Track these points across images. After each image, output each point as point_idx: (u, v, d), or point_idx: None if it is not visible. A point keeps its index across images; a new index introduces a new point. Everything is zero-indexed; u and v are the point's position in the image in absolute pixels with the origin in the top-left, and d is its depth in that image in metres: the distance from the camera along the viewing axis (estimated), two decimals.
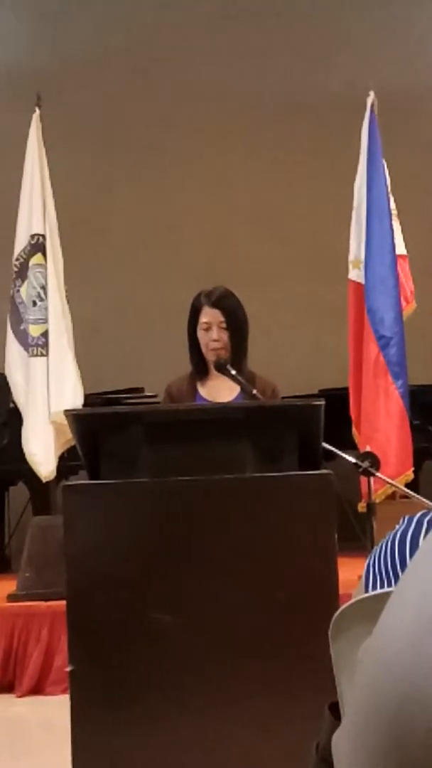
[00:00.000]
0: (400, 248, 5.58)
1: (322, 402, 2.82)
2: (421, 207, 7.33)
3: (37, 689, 4.83)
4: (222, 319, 3.45)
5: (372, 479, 4.03)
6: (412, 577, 0.64)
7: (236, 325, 3.47)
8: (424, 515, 0.87)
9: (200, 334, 3.47)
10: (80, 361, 5.49)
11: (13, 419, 5.72)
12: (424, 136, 8.10)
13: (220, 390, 3.48)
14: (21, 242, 5.59)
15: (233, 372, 3.37)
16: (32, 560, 5.16)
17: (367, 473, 3.66)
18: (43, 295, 5.47)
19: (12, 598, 5.10)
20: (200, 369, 3.51)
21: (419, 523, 0.86)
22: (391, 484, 4.18)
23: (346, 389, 5.50)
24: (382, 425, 5.24)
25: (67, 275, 5.60)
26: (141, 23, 8.16)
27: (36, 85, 5.94)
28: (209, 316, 3.46)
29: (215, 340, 3.44)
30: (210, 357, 3.46)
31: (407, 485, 4.71)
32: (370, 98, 5.57)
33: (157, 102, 8.07)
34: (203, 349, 3.48)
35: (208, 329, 3.46)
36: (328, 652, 0.80)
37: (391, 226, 5.46)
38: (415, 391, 5.69)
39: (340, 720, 0.74)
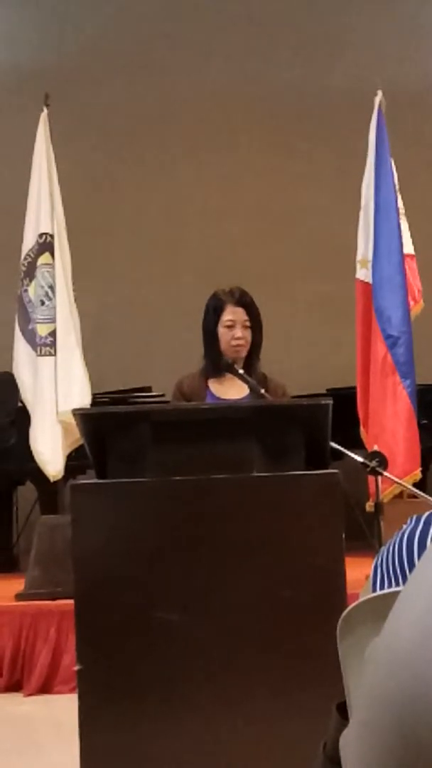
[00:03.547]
0: (408, 247, 5.57)
1: (330, 401, 2.82)
2: (429, 206, 7.31)
3: (45, 688, 4.83)
4: (246, 317, 3.48)
5: (380, 479, 4.02)
6: (420, 577, 0.64)
7: (257, 324, 3.52)
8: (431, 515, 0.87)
9: (222, 331, 3.48)
10: (88, 361, 5.50)
11: (21, 418, 5.73)
12: None
13: (232, 388, 3.49)
14: (29, 242, 5.60)
15: (241, 371, 3.38)
16: (40, 559, 5.17)
17: (375, 473, 3.65)
18: (50, 294, 5.47)
19: (20, 597, 5.11)
20: (216, 366, 3.51)
21: (427, 522, 0.86)
22: (399, 484, 4.18)
23: (353, 389, 5.49)
24: (390, 425, 5.24)
25: (74, 274, 5.60)
26: (147, 22, 8.16)
27: (44, 84, 5.95)
28: (234, 314, 3.48)
29: (239, 338, 3.46)
30: (230, 354, 3.47)
31: (415, 485, 4.71)
32: (378, 97, 5.56)
33: (164, 101, 8.07)
34: (224, 347, 3.48)
35: (231, 327, 3.48)
36: (335, 651, 0.80)
37: (398, 225, 5.45)
38: (423, 390, 5.69)
39: (348, 719, 0.74)
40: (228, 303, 3.50)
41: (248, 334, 3.49)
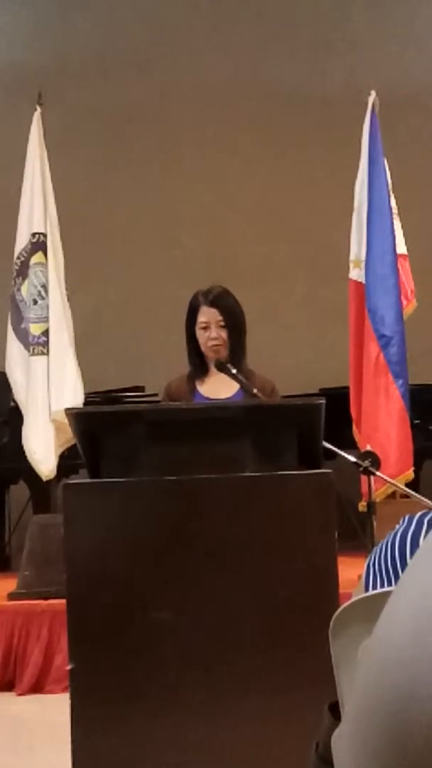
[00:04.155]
0: (401, 247, 5.57)
1: (323, 401, 2.82)
2: (421, 206, 7.33)
3: (37, 688, 4.83)
4: (220, 318, 3.47)
5: (372, 478, 4.03)
6: (412, 576, 0.64)
7: (234, 323, 3.50)
8: (424, 515, 0.87)
9: (199, 333, 3.50)
10: (81, 360, 5.49)
11: (14, 418, 5.73)
12: (425, 134, 8.10)
13: (219, 388, 3.49)
14: (22, 241, 5.59)
15: (234, 371, 3.38)
16: (32, 559, 5.16)
17: (368, 472, 3.66)
18: (43, 293, 5.47)
19: (12, 596, 5.10)
20: (199, 368, 3.53)
21: (419, 522, 0.86)
22: (392, 484, 4.18)
23: (346, 388, 5.50)
24: (383, 424, 5.24)
25: (67, 274, 5.60)
26: (142, 21, 8.16)
27: (37, 83, 5.94)
28: (207, 315, 3.48)
29: (214, 339, 3.46)
30: (210, 355, 3.48)
31: (407, 484, 4.71)
32: (372, 97, 5.57)
33: (158, 100, 8.07)
34: (202, 348, 3.50)
35: (206, 328, 3.48)
36: (328, 651, 0.80)
37: (391, 225, 5.45)
38: (416, 390, 5.69)
39: (340, 720, 0.74)
40: (202, 305, 3.50)
41: (224, 333, 3.48)
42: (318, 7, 8.23)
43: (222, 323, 3.48)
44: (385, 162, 5.53)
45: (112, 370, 7.27)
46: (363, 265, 5.44)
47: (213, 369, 3.49)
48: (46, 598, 4.92)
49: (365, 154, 5.55)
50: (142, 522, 2.73)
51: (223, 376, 3.43)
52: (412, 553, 0.83)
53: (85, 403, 5.35)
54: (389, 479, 4.04)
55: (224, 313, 3.48)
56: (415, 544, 0.83)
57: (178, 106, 8.06)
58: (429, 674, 0.57)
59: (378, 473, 3.67)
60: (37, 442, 5.32)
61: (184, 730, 2.62)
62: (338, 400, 4.82)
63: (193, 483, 2.71)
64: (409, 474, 5.21)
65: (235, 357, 3.47)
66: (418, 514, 0.88)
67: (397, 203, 5.58)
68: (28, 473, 5.58)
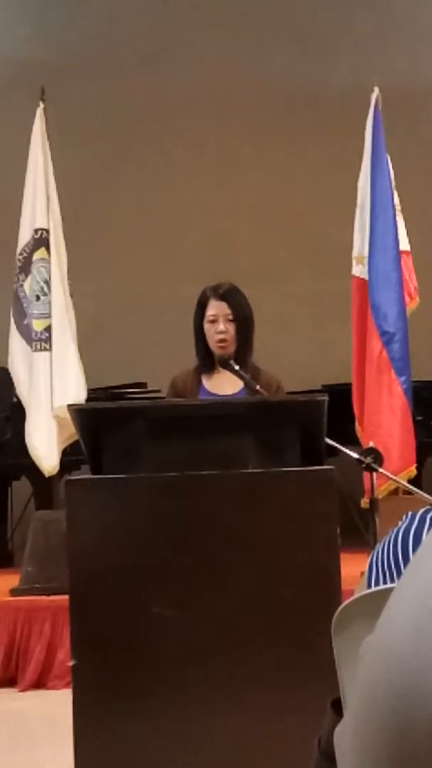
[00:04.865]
0: (404, 244, 5.57)
1: (326, 398, 2.82)
2: (424, 203, 7.32)
3: (39, 683, 4.84)
4: (228, 311, 3.47)
5: (375, 475, 4.02)
6: (414, 573, 0.64)
7: (242, 318, 3.49)
8: (427, 511, 0.87)
9: (207, 326, 3.49)
10: (83, 356, 5.49)
11: (17, 414, 5.73)
12: (429, 131, 8.09)
13: (225, 383, 3.49)
14: (25, 237, 5.60)
15: (236, 368, 3.37)
16: (35, 555, 5.17)
17: (370, 469, 3.66)
18: (46, 289, 5.47)
19: (15, 592, 5.11)
20: (206, 362, 3.52)
21: (422, 519, 0.86)
22: (394, 480, 4.18)
23: (349, 385, 5.50)
24: (385, 421, 5.24)
25: (70, 270, 5.60)
26: (145, 16, 8.15)
27: (40, 78, 5.94)
28: (216, 308, 3.48)
29: (221, 332, 3.46)
30: (216, 349, 3.47)
31: (410, 481, 4.71)
32: (375, 94, 5.56)
33: (161, 97, 8.06)
34: (209, 342, 3.49)
35: (214, 321, 3.48)
36: (330, 648, 0.80)
37: (394, 221, 5.45)
38: (419, 386, 5.69)
39: (342, 716, 0.74)
40: (211, 298, 3.50)
41: (232, 327, 3.48)
42: (320, 3, 8.22)
43: (230, 317, 3.48)
44: (388, 158, 5.53)
45: (114, 366, 7.27)
46: (366, 261, 5.43)
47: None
48: (48, 594, 4.92)
49: (368, 150, 5.54)
50: (144, 518, 2.73)
51: (229, 372, 3.42)
52: (414, 549, 0.82)
53: (88, 399, 5.36)
54: (392, 476, 4.04)
55: (233, 307, 3.48)
56: (417, 541, 0.83)
57: (180, 103, 8.05)
58: (429, 669, 0.57)
59: (380, 470, 3.66)
60: (40, 438, 5.32)
61: (186, 727, 2.62)
62: (340, 397, 4.82)
63: (195, 479, 2.71)
64: (412, 470, 5.21)
65: (241, 353, 3.47)
66: (421, 510, 0.88)
67: (400, 199, 5.57)
68: (31, 469, 5.59)
